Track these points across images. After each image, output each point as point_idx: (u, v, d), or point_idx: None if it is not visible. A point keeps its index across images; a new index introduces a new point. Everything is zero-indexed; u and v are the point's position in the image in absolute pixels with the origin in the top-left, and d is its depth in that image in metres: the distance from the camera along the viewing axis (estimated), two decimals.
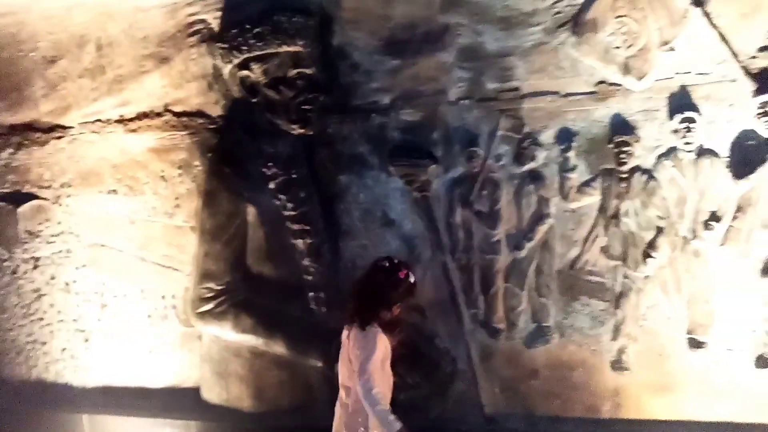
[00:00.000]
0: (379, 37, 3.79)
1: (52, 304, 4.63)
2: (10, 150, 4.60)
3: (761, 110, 3.29)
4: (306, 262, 3.97)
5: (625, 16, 3.41)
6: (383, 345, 3.02)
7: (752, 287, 3.40)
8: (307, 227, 3.95)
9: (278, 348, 4.03)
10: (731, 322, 3.45)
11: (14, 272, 4.70)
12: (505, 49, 3.63)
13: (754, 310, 3.41)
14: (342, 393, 3.15)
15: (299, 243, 3.96)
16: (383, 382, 3.02)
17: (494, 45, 3.64)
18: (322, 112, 3.89)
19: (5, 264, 4.72)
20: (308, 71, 3.83)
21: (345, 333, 3.15)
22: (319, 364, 3.95)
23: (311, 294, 3.99)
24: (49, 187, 4.55)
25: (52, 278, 4.61)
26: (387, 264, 3.12)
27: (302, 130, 3.89)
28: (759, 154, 3.33)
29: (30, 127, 4.53)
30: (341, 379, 3.16)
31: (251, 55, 3.81)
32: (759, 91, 3.29)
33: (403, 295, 3.09)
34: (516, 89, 3.65)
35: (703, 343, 3.49)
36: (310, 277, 3.98)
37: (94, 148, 4.41)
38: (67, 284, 4.58)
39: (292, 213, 3.95)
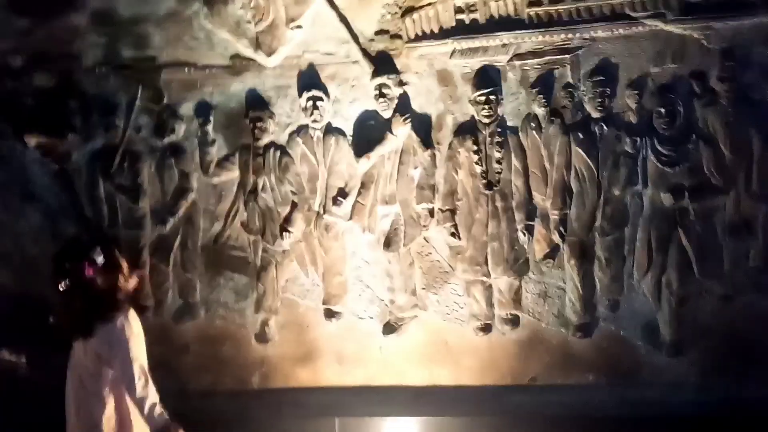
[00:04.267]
0: None
1: None
2: None
3: (377, 92, 3.45)
4: None
5: None
6: (134, 327, 2.45)
7: (377, 259, 3.61)
8: None
9: None
10: (361, 292, 3.64)
11: None
12: (139, 16, 3.50)
13: (380, 281, 3.62)
14: None
15: None
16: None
17: (128, 10, 3.49)
18: None
19: None
20: None
21: (77, 350, 2.47)
22: None
23: None
24: None
25: None
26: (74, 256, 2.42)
27: None
28: (379, 133, 3.50)
29: None
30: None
31: None
32: (376, 73, 3.45)
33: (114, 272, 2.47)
34: (153, 58, 3.54)
35: (337, 312, 3.65)
36: None
37: None
38: None
39: None
